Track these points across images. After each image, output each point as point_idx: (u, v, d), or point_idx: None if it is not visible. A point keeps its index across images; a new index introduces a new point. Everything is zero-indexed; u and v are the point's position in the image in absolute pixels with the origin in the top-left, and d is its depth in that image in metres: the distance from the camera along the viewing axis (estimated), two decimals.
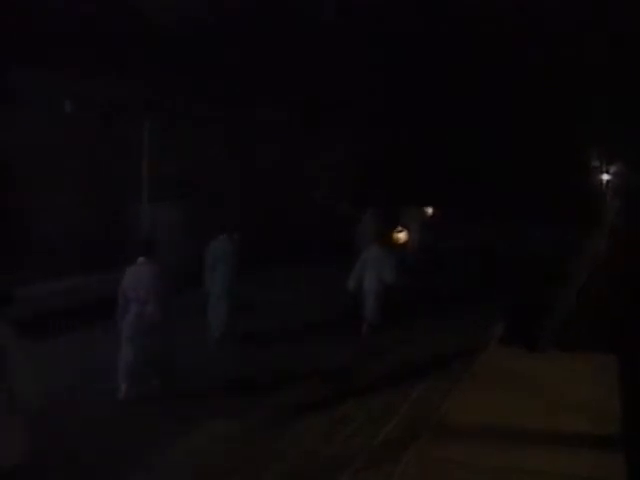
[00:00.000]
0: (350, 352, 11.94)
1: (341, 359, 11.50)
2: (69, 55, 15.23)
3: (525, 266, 18.98)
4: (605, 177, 51.56)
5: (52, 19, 15.02)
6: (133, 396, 9.34)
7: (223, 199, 20.12)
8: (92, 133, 16.57)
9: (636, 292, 14.49)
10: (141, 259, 9.66)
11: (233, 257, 12.25)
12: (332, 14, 21.88)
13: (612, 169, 51.68)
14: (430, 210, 23.42)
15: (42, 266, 14.44)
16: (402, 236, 21.32)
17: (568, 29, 26.53)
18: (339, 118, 25.23)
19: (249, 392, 9.84)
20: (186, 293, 12.52)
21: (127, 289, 9.55)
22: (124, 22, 16.62)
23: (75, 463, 7.39)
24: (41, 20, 14.89)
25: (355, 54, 23.42)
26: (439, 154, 29.82)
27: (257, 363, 11.20)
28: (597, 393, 9.05)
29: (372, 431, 8.24)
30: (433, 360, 11.30)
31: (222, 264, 12.13)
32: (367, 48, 24.03)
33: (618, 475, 6.75)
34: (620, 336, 11.60)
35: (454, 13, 25.90)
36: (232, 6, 18.83)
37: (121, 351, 9.47)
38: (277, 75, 20.94)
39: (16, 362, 5.71)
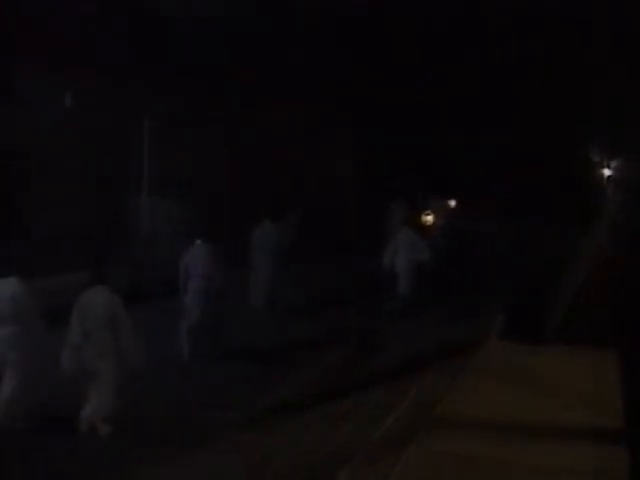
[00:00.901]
0: (352, 345, 11.98)
1: (343, 352, 11.55)
2: (70, 53, 15.25)
3: (526, 261, 18.96)
4: (606, 172, 51.49)
5: (53, 17, 15.03)
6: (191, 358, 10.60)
7: (223, 197, 20.15)
8: (92, 130, 16.56)
9: (637, 289, 14.49)
10: (198, 241, 11.27)
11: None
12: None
13: (613, 164, 51.63)
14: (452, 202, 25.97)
15: (42, 262, 14.43)
16: (430, 219, 23.48)
17: (570, 22, 26.47)
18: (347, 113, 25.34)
19: (250, 385, 9.84)
20: None
21: (189, 266, 11.11)
22: (125, 20, 16.63)
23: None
24: (42, 18, 14.89)
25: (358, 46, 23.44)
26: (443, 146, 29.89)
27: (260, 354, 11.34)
28: (598, 387, 9.06)
29: (373, 426, 8.23)
30: (435, 353, 11.27)
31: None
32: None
33: (620, 469, 6.74)
34: (620, 331, 11.60)
35: (453, 11, 25.87)
36: (233, 4, 18.81)
37: (182, 321, 10.82)
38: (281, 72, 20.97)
39: (124, 326, 7.73)
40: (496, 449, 7.12)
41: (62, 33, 15.10)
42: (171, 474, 7.03)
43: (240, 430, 8.15)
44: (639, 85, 29.82)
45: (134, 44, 16.49)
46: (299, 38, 20.76)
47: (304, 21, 20.69)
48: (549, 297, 14.12)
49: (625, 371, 9.69)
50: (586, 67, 29.69)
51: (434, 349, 11.52)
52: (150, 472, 7.03)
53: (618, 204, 42.14)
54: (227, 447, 7.72)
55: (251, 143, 21.47)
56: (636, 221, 28.87)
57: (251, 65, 19.96)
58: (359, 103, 25.55)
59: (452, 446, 7.18)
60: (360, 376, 10.39)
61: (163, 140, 17.89)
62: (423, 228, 21.13)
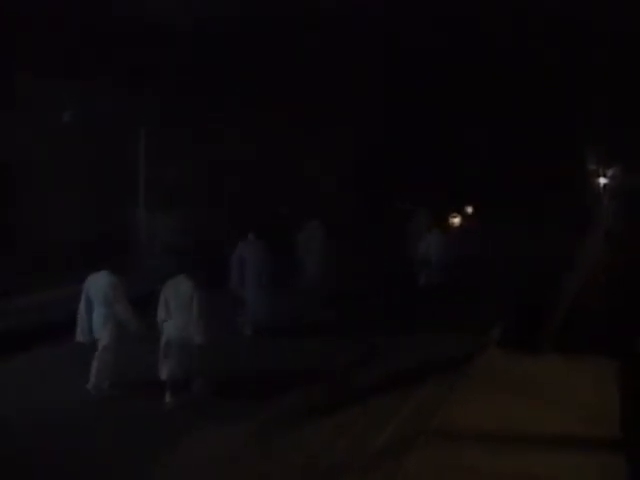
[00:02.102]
0: (352, 354, 12.02)
1: (343, 360, 11.62)
2: (68, 63, 15.29)
3: (523, 269, 18.98)
4: (602, 180, 51.54)
5: (51, 27, 15.07)
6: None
7: (222, 205, 20.15)
8: (90, 140, 16.60)
9: (634, 295, 14.48)
10: (251, 235, 13.16)
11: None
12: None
13: (609, 172, 51.68)
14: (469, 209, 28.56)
15: (41, 273, 14.45)
16: (456, 221, 26.27)
17: (567, 28, 26.51)
18: (343, 116, 25.35)
19: (250, 395, 9.85)
20: None
21: (244, 258, 12.96)
22: (122, 29, 16.65)
23: None
24: (40, 28, 14.93)
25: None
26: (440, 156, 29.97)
27: (263, 361, 11.48)
28: (596, 396, 9.06)
29: (373, 435, 8.24)
30: (434, 362, 11.27)
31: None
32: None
33: (619, 478, 6.76)
34: (618, 339, 11.60)
35: (454, 12, 25.89)
36: (229, 5, 18.81)
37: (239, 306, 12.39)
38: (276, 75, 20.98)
39: (197, 305, 9.61)
40: (495, 458, 7.13)
41: (61, 43, 15.15)
42: None
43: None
44: (636, 90, 29.85)
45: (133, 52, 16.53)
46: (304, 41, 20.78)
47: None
48: (547, 305, 14.13)
49: (623, 381, 9.70)
50: (585, 72, 29.74)
51: (433, 358, 11.55)
52: None
53: (613, 211, 42.14)
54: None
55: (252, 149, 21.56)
56: (629, 228, 28.94)
57: (250, 69, 19.97)
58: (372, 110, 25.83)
59: (451, 457, 7.19)
60: (359, 386, 10.40)
61: (160, 151, 17.94)
62: (451, 228, 24.75)
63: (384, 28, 23.92)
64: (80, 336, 9.95)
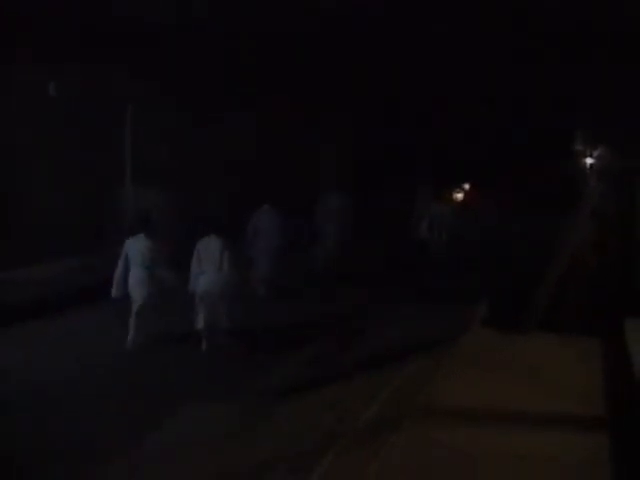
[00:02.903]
0: (335, 334, 12.03)
1: (328, 340, 11.76)
2: (53, 39, 15.09)
3: (508, 248, 19.07)
4: (589, 161, 51.62)
5: (35, 3, 14.85)
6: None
7: (207, 186, 20.09)
8: (75, 117, 16.44)
9: (620, 274, 14.52)
10: (266, 205, 14.86)
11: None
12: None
13: (596, 153, 51.76)
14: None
15: (23, 251, 14.38)
16: (459, 196, 26.93)
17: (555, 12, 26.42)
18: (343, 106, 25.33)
19: (234, 375, 9.87)
20: None
21: (258, 226, 14.54)
22: (108, 7, 16.44)
23: None
24: (25, 4, 14.71)
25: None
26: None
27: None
28: (581, 375, 9.09)
29: (357, 414, 8.25)
30: (419, 342, 11.31)
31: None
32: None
33: (603, 458, 6.77)
34: (603, 319, 11.63)
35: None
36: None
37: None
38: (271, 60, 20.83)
39: (227, 259, 10.97)
40: (479, 438, 7.14)
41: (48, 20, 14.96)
42: None
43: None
44: (622, 74, 29.83)
45: (119, 28, 16.33)
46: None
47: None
48: (533, 285, 14.17)
49: (608, 360, 9.74)
50: (570, 53, 29.66)
51: (418, 336, 11.58)
52: None
53: (600, 192, 42.23)
54: None
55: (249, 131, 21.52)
56: (613, 207, 29.01)
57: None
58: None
59: (436, 434, 7.20)
60: (344, 364, 10.42)
61: (147, 129, 17.81)
62: (454, 203, 25.57)
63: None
64: (116, 292, 11.16)
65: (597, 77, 31.07)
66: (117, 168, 17.46)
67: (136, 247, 11.10)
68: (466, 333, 11.22)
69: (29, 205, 15.45)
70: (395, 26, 21.92)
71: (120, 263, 11.16)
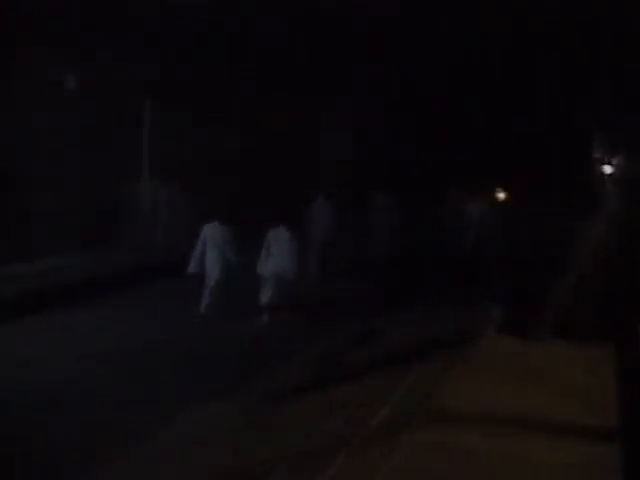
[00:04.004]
0: (352, 332, 12.18)
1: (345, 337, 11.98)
2: (72, 32, 15.12)
3: (524, 251, 18.98)
4: (607, 168, 51.42)
5: None
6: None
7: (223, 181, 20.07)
8: (93, 110, 16.47)
9: (634, 278, 14.44)
10: (321, 197, 17.49)
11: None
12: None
13: (614, 161, 51.53)
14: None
15: (40, 243, 14.45)
16: (501, 195, 27.27)
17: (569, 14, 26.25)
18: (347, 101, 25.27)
19: (245, 372, 9.86)
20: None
21: (314, 215, 16.95)
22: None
23: None
24: None
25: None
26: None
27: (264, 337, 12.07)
28: (593, 382, 9.02)
29: (367, 415, 8.20)
30: (431, 344, 11.25)
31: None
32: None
33: (614, 465, 6.71)
34: (618, 324, 11.54)
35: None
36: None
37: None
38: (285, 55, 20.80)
39: (292, 250, 12.86)
40: (490, 442, 7.08)
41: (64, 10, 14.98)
42: None
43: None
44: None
45: (138, 22, 16.36)
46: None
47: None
48: (547, 291, 14.10)
49: (621, 367, 9.66)
50: (589, 61, 29.51)
51: (432, 338, 11.53)
52: None
53: (616, 197, 42.04)
54: None
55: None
56: (629, 211, 28.90)
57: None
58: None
59: (446, 437, 7.15)
60: (356, 364, 10.39)
61: (165, 124, 17.84)
62: (497, 202, 26.58)
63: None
64: (193, 269, 13.05)
65: (617, 84, 30.90)
66: (134, 163, 17.52)
67: (212, 232, 13.03)
68: (480, 338, 11.16)
69: (46, 199, 15.47)
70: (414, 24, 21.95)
71: (199, 244, 13.08)
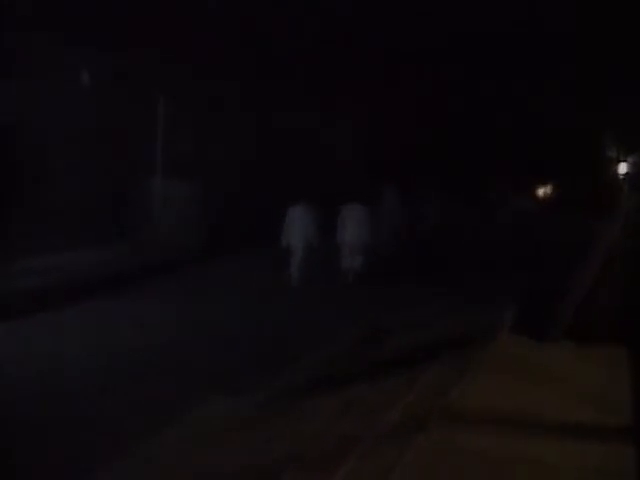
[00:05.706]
0: (362, 331, 12.15)
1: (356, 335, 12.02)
2: (86, 28, 15.15)
3: (540, 252, 18.91)
4: (623, 168, 51.24)
5: None
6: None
7: (237, 178, 20.11)
8: (107, 107, 16.50)
9: None
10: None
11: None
12: None
13: (630, 160, 51.34)
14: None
15: (52, 237, 14.50)
16: (545, 190, 31.01)
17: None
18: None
19: (258, 370, 9.85)
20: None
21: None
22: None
23: None
24: None
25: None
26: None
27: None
28: (608, 384, 8.96)
29: (381, 415, 8.17)
30: (445, 344, 11.20)
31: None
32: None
33: (629, 468, 6.67)
34: (632, 328, 11.46)
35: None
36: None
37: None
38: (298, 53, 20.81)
39: (367, 220, 16.62)
40: (503, 444, 7.04)
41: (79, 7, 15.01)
42: None
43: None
44: None
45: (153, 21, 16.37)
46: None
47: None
48: (562, 292, 14.02)
49: (636, 369, 9.59)
50: (604, 63, 29.42)
51: (444, 339, 11.48)
52: None
53: (628, 197, 41.89)
54: None
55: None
56: None
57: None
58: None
59: (459, 438, 7.11)
60: (367, 364, 10.36)
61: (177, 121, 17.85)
62: (539, 197, 29.79)
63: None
64: (284, 242, 15.91)
65: (633, 82, 30.80)
66: (148, 158, 17.55)
67: (297, 211, 15.80)
68: (493, 339, 11.10)
69: (60, 193, 15.52)
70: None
71: (286, 223, 15.84)
